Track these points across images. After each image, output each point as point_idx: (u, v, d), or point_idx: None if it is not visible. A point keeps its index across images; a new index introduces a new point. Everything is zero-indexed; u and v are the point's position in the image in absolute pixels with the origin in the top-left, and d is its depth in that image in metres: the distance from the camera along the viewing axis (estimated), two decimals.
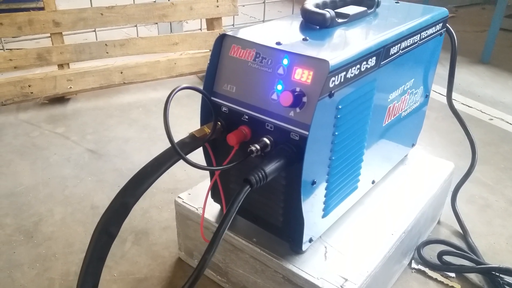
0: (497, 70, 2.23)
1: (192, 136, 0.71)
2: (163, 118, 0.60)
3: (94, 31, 2.07)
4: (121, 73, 1.81)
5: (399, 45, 0.80)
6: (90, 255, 0.62)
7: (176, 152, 0.62)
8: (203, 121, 0.77)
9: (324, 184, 0.75)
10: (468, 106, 1.84)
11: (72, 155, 1.42)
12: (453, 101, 1.09)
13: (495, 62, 2.32)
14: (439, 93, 1.88)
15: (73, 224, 1.13)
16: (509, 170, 1.40)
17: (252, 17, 2.85)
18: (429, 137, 1.57)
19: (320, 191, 0.75)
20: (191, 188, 0.97)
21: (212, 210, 0.91)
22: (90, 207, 1.19)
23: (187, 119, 1.65)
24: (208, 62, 0.74)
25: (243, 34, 0.73)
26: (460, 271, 1.00)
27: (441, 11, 0.94)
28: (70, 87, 1.73)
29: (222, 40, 0.74)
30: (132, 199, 0.64)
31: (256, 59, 0.70)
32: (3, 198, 1.22)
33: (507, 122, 1.71)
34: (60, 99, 1.78)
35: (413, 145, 1.10)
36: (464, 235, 1.11)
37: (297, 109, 0.66)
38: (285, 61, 0.67)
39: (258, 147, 0.68)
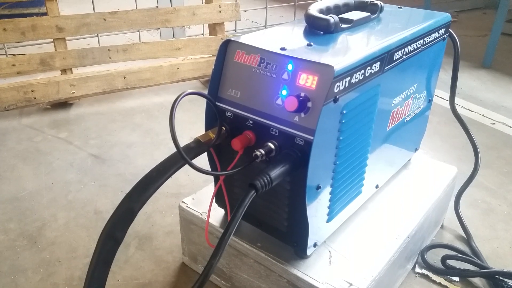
0: (498, 75, 2.23)
1: (197, 141, 0.71)
2: (169, 124, 0.60)
3: (97, 36, 2.08)
4: (124, 78, 1.81)
5: (402, 50, 0.80)
6: (96, 260, 0.62)
7: (182, 157, 0.63)
8: (208, 126, 0.78)
9: (329, 189, 0.75)
10: (470, 111, 1.84)
11: (75, 160, 1.43)
12: (455, 105, 1.10)
13: (497, 66, 2.33)
14: (441, 98, 1.89)
15: (77, 229, 1.13)
16: None
17: (254, 22, 2.86)
18: (432, 142, 1.57)
19: (324, 196, 0.75)
20: (194, 193, 0.98)
21: (216, 215, 0.91)
22: (94, 212, 1.19)
23: (190, 124, 1.65)
24: (213, 67, 0.74)
25: (247, 39, 0.74)
26: (463, 275, 1.00)
27: (444, 17, 0.94)
28: (73, 92, 1.74)
29: (226, 46, 0.74)
30: (138, 204, 0.64)
31: (261, 65, 0.70)
32: (7, 203, 1.22)
33: (509, 126, 1.71)
34: (63, 104, 1.79)
35: (416, 149, 1.10)
36: (467, 239, 1.11)
37: (302, 114, 0.66)
38: (290, 67, 0.67)
39: (262, 152, 0.68)
